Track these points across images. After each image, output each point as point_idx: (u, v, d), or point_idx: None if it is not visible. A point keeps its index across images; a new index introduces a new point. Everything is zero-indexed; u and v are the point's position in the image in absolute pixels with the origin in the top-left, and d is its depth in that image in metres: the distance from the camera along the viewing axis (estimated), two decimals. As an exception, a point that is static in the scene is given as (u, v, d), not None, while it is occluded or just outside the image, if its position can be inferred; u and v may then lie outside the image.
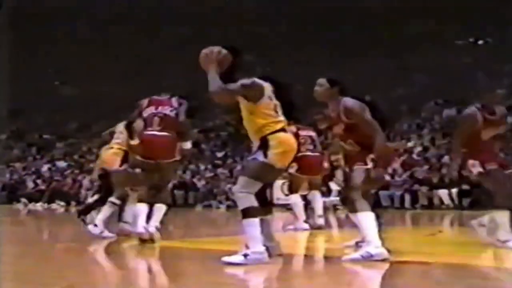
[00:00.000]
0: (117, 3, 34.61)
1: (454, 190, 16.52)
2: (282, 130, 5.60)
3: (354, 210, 5.78)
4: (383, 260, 5.49)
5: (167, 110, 7.42)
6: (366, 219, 5.71)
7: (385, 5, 30.95)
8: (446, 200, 16.75)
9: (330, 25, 31.57)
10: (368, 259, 5.50)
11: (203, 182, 21.87)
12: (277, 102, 5.66)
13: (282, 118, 5.65)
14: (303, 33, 32.03)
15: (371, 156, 5.82)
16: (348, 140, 6.03)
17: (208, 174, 22.69)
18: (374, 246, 5.59)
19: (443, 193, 16.81)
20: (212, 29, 28.65)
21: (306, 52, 30.31)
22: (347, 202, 5.89)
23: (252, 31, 31.94)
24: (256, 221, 5.42)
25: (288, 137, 5.64)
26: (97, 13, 34.84)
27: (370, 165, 5.84)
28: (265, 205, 5.74)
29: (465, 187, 16.26)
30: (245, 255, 5.33)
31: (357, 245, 6.32)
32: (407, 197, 17.57)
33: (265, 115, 5.60)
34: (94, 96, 32.30)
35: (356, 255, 5.62)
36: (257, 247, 5.38)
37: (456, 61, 30.31)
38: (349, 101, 5.92)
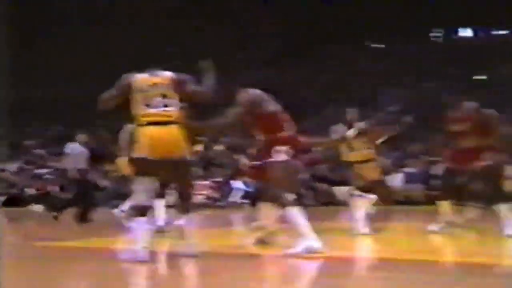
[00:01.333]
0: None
1: (350, 187, 16.96)
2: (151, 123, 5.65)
3: (282, 205, 5.94)
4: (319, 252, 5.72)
5: None
6: (296, 214, 5.88)
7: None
8: (345, 197, 17.23)
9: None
10: (309, 252, 5.71)
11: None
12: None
13: (153, 111, 5.69)
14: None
15: (282, 148, 6.06)
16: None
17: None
18: (312, 239, 5.79)
19: (343, 190, 17.31)
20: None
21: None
22: (273, 198, 6.06)
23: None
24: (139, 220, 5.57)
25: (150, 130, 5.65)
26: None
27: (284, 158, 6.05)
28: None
29: None
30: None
31: (261, 241, 6.66)
32: (309, 194, 18.06)
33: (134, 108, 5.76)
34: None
35: (298, 249, 5.78)
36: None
37: (357, 64, 31.39)
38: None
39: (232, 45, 31.71)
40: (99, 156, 12.58)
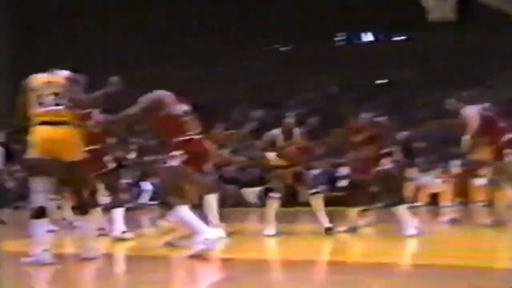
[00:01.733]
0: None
1: (259, 189, 16.93)
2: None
3: (171, 206, 5.96)
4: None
5: None
6: (187, 213, 5.89)
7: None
8: (253, 199, 17.38)
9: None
10: (210, 247, 5.76)
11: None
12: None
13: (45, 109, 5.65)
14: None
15: (176, 153, 6.06)
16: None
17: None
18: (208, 232, 5.81)
19: (250, 191, 17.52)
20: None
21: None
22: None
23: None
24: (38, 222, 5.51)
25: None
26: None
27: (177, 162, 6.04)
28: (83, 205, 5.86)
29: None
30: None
31: (170, 243, 6.74)
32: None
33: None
34: None
35: (198, 248, 5.78)
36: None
37: (264, 67, 31.64)
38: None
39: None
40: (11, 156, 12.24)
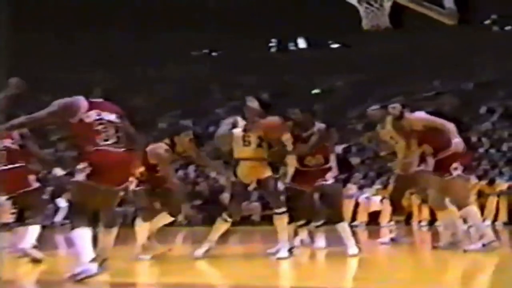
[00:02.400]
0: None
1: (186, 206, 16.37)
2: None
3: (72, 226, 5.69)
4: (91, 276, 5.46)
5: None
6: (80, 235, 5.63)
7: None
8: (179, 217, 16.82)
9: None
10: (86, 276, 5.47)
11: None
12: None
13: None
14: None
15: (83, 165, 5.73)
16: None
17: None
18: (82, 262, 5.54)
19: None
20: None
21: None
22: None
23: None
24: None
25: None
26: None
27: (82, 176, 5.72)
28: None
29: (196, 202, 16.63)
30: None
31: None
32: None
33: None
34: None
35: (76, 270, 5.54)
36: None
37: (193, 73, 31.32)
38: None
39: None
40: None
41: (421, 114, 8.25)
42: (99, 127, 5.83)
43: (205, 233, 8.17)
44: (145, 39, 32.00)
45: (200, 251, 7.89)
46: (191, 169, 19.67)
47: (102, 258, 5.74)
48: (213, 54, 36.09)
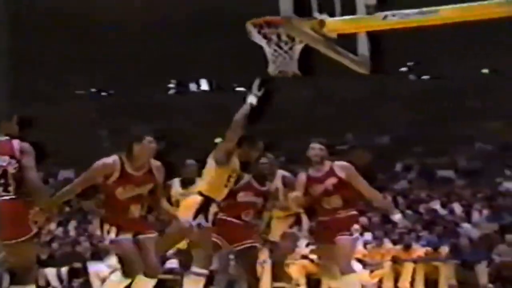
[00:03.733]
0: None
1: (64, 269, 15.34)
2: None
3: None
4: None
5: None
6: None
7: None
8: (54, 281, 15.41)
9: None
10: None
11: None
12: None
13: None
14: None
15: None
16: None
17: None
18: None
19: (50, 272, 15.41)
20: None
21: None
22: None
23: None
24: None
25: None
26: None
27: None
28: None
29: (77, 265, 15.54)
30: None
31: None
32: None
33: None
34: None
35: None
36: None
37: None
38: None
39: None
40: None
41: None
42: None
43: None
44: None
45: None
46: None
47: None
48: (103, 94, 35.74)
